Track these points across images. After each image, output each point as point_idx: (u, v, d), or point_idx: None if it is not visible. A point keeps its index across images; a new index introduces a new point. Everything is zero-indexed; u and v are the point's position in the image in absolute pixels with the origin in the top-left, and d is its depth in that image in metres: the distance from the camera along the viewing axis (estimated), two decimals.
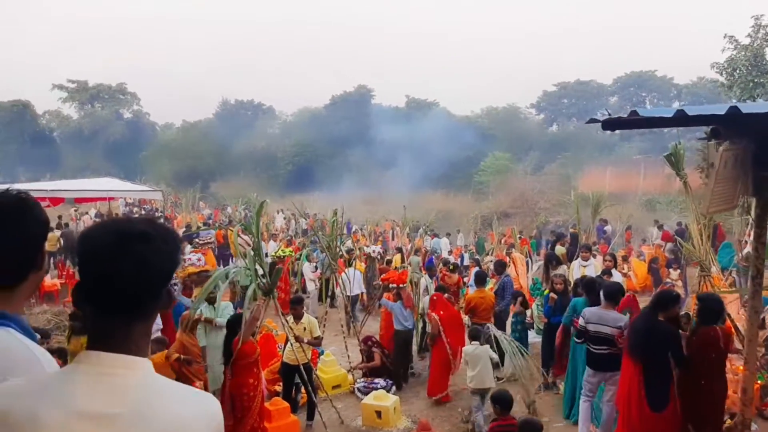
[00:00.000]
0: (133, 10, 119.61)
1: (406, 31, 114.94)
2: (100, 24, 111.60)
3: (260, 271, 6.25)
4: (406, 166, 42.13)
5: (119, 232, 1.28)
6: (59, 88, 55.47)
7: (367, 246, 16.56)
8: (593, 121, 3.82)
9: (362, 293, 12.70)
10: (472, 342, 7.28)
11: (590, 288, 6.83)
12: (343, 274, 10.06)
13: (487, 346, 7.28)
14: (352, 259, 13.17)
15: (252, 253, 6.15)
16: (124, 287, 1.26)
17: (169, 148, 48.63)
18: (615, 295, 6.11)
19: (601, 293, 6.27)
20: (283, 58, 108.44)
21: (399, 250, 16.97)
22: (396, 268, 13.81)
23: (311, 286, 13.08)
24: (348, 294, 10.29)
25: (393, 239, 24.64)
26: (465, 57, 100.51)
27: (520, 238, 20.71)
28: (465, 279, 14.52)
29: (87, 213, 26.07)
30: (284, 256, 11.90)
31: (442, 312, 8.16)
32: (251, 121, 56.45)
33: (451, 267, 11.39)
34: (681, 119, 3.39)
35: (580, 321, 6.17)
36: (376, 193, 38.94)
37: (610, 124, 3.73)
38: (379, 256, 14.91)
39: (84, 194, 15.07)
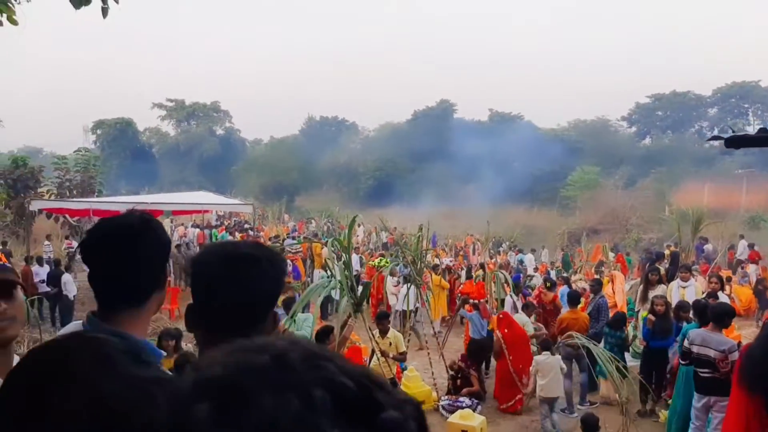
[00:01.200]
0: (223, 31, 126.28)
1: (490, 43, 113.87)
2: (193, 44, 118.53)
3: (349, 285, 6.28)
4: (489, 180, 41.57)
5: (227, 255, 1.32)
6: (159, 107, 59.65)
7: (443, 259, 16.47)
8: (715, 138, 3.53)
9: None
10: (543, 352, 7.50)
11: (701, 312, 6.39)
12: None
13: (558, 356, 7.46)
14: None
15: (343, 267, 6.19)
16: (232, 309, 1.27)
17: (258, 163, 50.80)
18: (722, 317, 5.74)
19: (708, 314, 5.90)
20: (367, 74, 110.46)
21: (482, 266, 16.64)
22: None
23: (392, 300, 13.07)
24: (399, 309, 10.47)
25: (474, 254, 24.24)
26: (551, 68, 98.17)
27: (614, 254, 19.82)
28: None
29: (182, 224, 27.52)
30: (380, 266, 12.00)
31: (506, 330, 8.27)
32: (335, 136, 57.83)
33: (548, 285, 11.08)
34: None
35: (685, 342, 5.84)
36: (458, 207, 38.58)
37: (735, 142, 3.42)
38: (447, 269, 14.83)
39: (181, 207, 15.91)
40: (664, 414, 7.22)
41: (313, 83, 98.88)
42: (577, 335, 7.52)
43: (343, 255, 6.51)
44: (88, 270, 1.55)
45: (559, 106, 72.80)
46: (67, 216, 18.38)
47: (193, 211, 18.81)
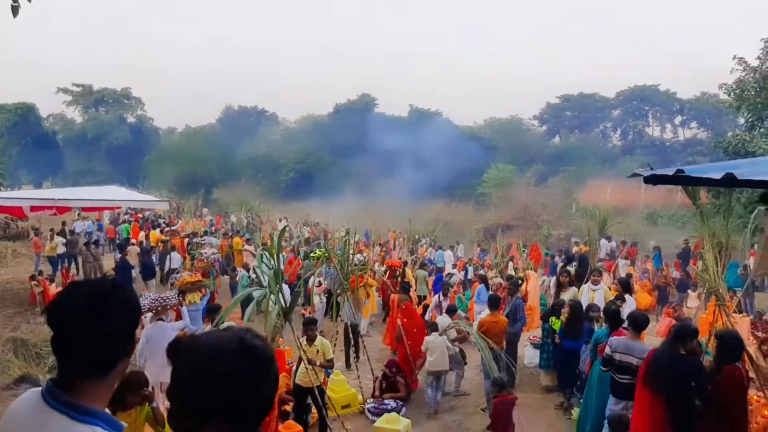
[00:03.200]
0: (138, 11, 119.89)
1: (410, 41, 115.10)
2: (104, 25, 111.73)
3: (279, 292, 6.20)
4: (408, 175, 42.13)
5: (214, 348, 1.27)
6: (64, 92, 55.60)
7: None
8: (635, 175, 3.78)
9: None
10: (432, 333, 8.66)
11: (613, 318, 6.78)
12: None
13: (445, 337, 8.61)
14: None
15: (272, 275, 6.08)
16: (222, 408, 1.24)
17: (172, 153, 48.60)
18: (642, 325, 6.08)
19: (627, 323, 6.25)
20: (288, 65, 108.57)
21: (404, 264, 16.87)
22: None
23: (316, 300, 12.97)
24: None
25: (395, 249, 24.53)
26: (468, 68, 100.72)
27: (524, 251, 20.61)
28: (470, 294, 14.49)
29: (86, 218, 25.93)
30: (320, 258, 11.87)
31: (406, 320, 9.59)
32: (254, 127, 56.49)
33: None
34: (730, 182, 3.32)
35: (607, 349, 6.15)
36: (378, 201, 38.89)
37: (652, 180, 3.68)
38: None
39: (91, 203, 15.01)
40: (576, 412, 7.64)
41: (231, 72, 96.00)
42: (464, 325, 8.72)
43: (272, 261, 6.38)
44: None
45: (475, 105, 74.83)
46: None
47: (104, 207, 17.80)
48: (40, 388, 1.48)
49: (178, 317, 8.75)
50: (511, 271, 16.96)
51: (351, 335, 10.43)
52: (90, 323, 1.43)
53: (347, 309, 9.62)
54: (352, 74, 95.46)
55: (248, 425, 1.27)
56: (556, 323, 8.23)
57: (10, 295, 14.37)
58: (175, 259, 15.69)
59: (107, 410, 1.52)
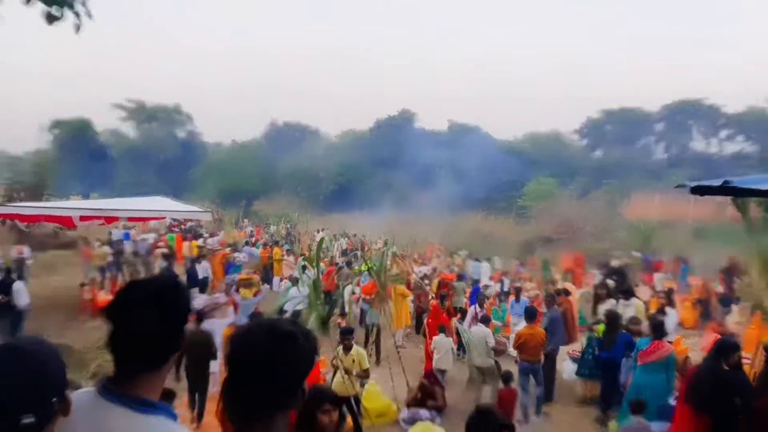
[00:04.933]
0: (188, 33, 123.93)
1: (451, 56, 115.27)
2: (157, 44, 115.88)
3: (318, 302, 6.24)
4: (446, 189, 42.05)
5: (271, 334, 1.36)
6: (118, 108, 57.70)
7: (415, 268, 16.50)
8: (681, 186, 3.67)
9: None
10: (440, 334, 9.44)
11: (658, 328, 6.61)
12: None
13: (450, 339, 9.46)
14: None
15: (311, 284, 6.13)
16: (275, 387, 1.33)
17: (218, 167, 49.74)
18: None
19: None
20: (332, 81, 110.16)
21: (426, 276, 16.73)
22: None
23: (356, 310, 12.99)
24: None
25: (431, 262, 24.36)
26: (508, 82, 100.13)
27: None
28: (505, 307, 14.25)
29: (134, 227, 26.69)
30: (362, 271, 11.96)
31: (431, 320, 10.47)
32: (298, 142, 57.40)
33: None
34: None
35: None
36: (416, 214, 38.83)
37: (699, 191, 3.58)
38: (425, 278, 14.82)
39: (136, 214, 15.45)
40: (613, 424, 7.39)
41: (276, 88, 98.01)
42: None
43: (312, 270, 6.45)
44: (112, 328, 1.50)
45: (513, 119, 74.23)
46: (16, 221, 17.65)
47: (149, 218, 18.30)
48: (92, 388, 1.51)
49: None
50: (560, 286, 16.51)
51: (371, 335, 10.51)
52: (153, 319, 1.46)
53: (371, 313, 9.68)
54: (393, 90, 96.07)
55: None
56: (600, 329, 8.06)
57: (60, 303, 14.86)
58: (204, 268, 15.97)
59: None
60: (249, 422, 1.34)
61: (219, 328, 8.85)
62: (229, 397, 1.34)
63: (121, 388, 1.45)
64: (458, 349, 10.73)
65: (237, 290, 10.80)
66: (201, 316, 8.74)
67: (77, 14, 4.58)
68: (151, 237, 23.71)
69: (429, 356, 10.93)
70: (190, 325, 8.54)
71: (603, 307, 9.32)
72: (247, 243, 23.08)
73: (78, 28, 4.85)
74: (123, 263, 18.58)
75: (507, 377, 7.88)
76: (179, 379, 7.72)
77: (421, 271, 16.01)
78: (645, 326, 7.85)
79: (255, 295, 11.77)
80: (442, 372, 9.36)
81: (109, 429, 1.40)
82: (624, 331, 7.93)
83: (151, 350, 1.48)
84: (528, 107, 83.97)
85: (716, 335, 10.67)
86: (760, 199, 16.95)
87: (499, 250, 29.11)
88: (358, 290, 12.88)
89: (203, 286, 15.50)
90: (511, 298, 12.94)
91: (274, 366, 1.31)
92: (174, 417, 1.51)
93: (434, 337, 9.49)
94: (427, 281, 14.80)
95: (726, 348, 5.24)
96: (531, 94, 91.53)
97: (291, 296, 12.93)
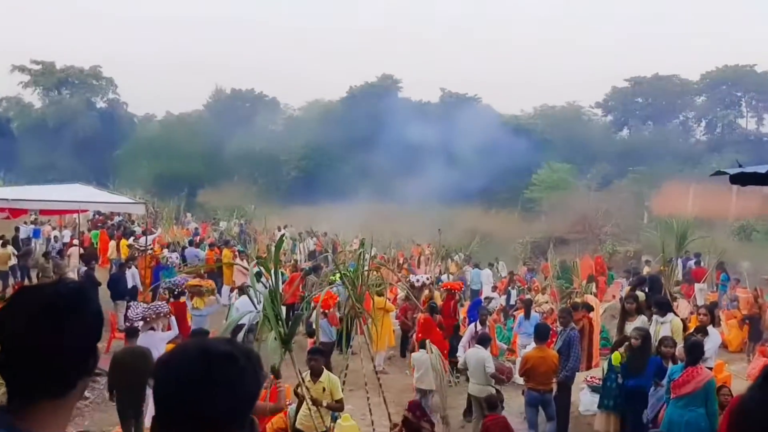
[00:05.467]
0: None
1: (444, 13, 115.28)
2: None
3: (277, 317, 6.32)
4: (438, 176, 42.14)
5: (204, 356, 1.34)
6: (20, 70, 56.68)
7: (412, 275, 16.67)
8: (720, 173, 3.78)
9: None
10: (420, 350, 10.03)
11: (694, 351, 6.79)
12: None
13: (430, 355, 9.72)
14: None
15: (269, 296, 6.20)
16: (212, 418, 1.32)
17: (150, 146, 49.26)
18: None
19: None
20: (292, 41, 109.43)
21: (431, 283, 16.93)
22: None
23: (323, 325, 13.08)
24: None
25: (419, 267, 24.56)
26: (515, 44, 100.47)
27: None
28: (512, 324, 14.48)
29: (49, 222, 26.41)
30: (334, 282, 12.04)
31: (420, 334, 11.14)
32: (250, 115, 57.06)
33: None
34: None
35: None
36: (400, 206, 38.94)
37: (741, 179, 3.67)
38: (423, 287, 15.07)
39: (51, 205, 15.31)
40: None
41: (222, 49, 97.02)
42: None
43: (269, 281, 6.50)
44: None
45: (523, 89, 74.36)
46: None
47: (66, 210, 18.12)
48: None
49: (170, 327, 10.21)
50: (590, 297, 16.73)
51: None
52: (44, 334, 1.46)
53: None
54: (371, 53, 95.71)
55: None
56: (617, 358, 8.20)
57: None
58: (133, 274, 15.94)
59: None
60: None
61: (160, 343, 9.16)
62: None
63: (13, 419, 1.44)
64: (454, 372, 10.91)
65: (189, 298, 11.34)
66: (135, 330, 9.05)
67: None
68: (67, 234, 23.54)
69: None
70: (124, 341, 9.15)
71: (632, 325, 9.51)
72: (191, 243, 22.97)
73: None
74: (31, 267, 18.42)
75: (492, 403, 8.06)
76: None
77: (419, 279, 16.18)
78: (681, 349, 8.03)
79: (208, 304, 11.91)
80: (425, 393, 9.84)
81: None
82: (655, 354, 8.10)
83: (45, 372, 1.46)
84: (541, 75, 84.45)
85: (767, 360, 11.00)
86: None
87: (503, 252, 29.40)
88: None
89: (132, 295, 15.52)
90: (519, 313, 13.12)
91: (209, 396, 1.30)
92: None
93: (413, 355, 10.20)
94: (426, 292, 15.00)
95: None
96: (544, 59, 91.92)
97: (237, 309, 13.05)
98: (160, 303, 10.85)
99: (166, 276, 15.57)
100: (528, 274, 24.75)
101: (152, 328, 9.59)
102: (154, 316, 9.80)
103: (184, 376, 1.33)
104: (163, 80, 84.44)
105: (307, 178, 47.67)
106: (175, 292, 12.79)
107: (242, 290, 13.80)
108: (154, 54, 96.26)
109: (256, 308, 7.30)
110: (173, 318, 10.60)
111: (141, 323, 9.53)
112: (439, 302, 14.07)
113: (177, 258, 19.68)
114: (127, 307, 11.64)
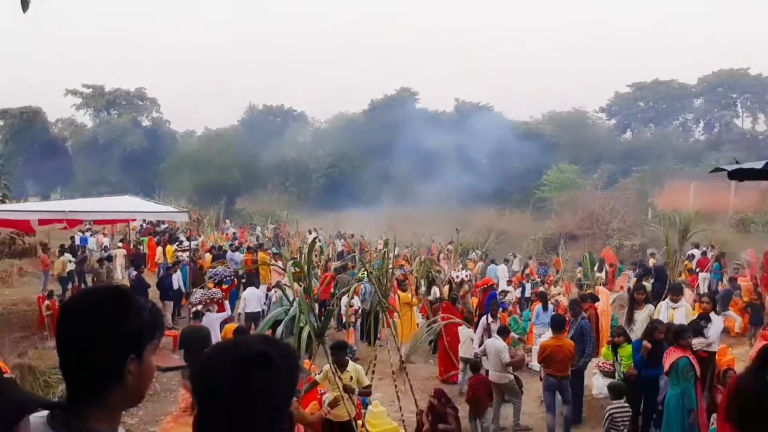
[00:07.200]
0: (150, 9, 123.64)
1: (457, 28, 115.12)
2: (119, 25, 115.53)
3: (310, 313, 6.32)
4: (454, 179, 42.04)
5: (238, 360, 1.32)
6: (73, 94, 57.47)
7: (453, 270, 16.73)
8: (718, 170, 3.70)
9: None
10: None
11: (677, 335, 6.68)
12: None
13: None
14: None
15: (303, 293, 6.20)
16: (248, 421, 1.30)
17: (191, 160, 49.64)
18: None
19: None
20: (318, 60, 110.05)
21: (451, 281, 16.82)
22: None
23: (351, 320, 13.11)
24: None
25: (439, 263, 24.43)
26: (524, 54, 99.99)
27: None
28: (529, 315, 14.36)
29: (103, 232, 26.73)
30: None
31: (444, 315, 11.41)
32: (281, 128, 57.41)
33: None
34: None
35: None
36: (420, 208, 38.88)
37: (738, 175, 3.59)
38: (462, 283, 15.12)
39: (104, 216, 15.53)
40: None
41: (256, 70, 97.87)
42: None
43: (304, 279, 6.50)
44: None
45: (532, 97, 74.17)
46: None
47: (117, 220, 18.37)
48: (47, 412, 1.50)
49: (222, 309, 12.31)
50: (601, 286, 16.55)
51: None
52: (73, 339, 1.48)
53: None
54: (390, 68, 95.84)
55: None
56: (608, 355, 8.04)
57: (16, 318, 14.92)
58: (178, 279, 16.09)
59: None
60: None
61: (216, 321, 10.95)
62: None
63: (70, 416, 1.45)
64: None
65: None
66: (198, 312, 10.79)
67: None
68: (106, 241, 24.00)
69: (442, 369, 11.22)
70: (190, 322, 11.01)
71: (641, 314, 9.36)
72: (229, 246, 23.11)
73: (26, 5, 4.88)
74: (87, 272, 18.62)
75: (475, 365, 9.16)
76: None
77: (458, 276, 16.22)
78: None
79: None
80: (466, 361, 10.45)
81: None
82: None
83: (84, 375, 1.47)
84: (548, 83, 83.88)
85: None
86: None
87: (517, 249, 29.22)
88: (356, 301, 12.97)
89: (177, 297, 15.65)
90: (536, 305, 13.00)
91: (245, 400, 1.28)
92: None
93: (459, 327, 10.76)
94: (465, 287, 15.03)
95: None
96: (551, 69, 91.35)
97: (245, 299, 13.99)
98: (214, 290, 12.83)
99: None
100: (540, 268, 24.55)
101: (209, 310, 11.39)
102: (208, 301, 11.89)
103: (220, 383, 1.30)
104: (202, 99, 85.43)
105: (334, 185, 47.72)
106: (221, 281, 14.61)
107: (279, 287, 13.96)
108: (192, 75, 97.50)
109: (291, 304, 7.32)
110: (226, 302, 13.03)
111: (200, 306, 11.45)
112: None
113: (223, 269, 19.82)
114: (188, 294, 13.81)
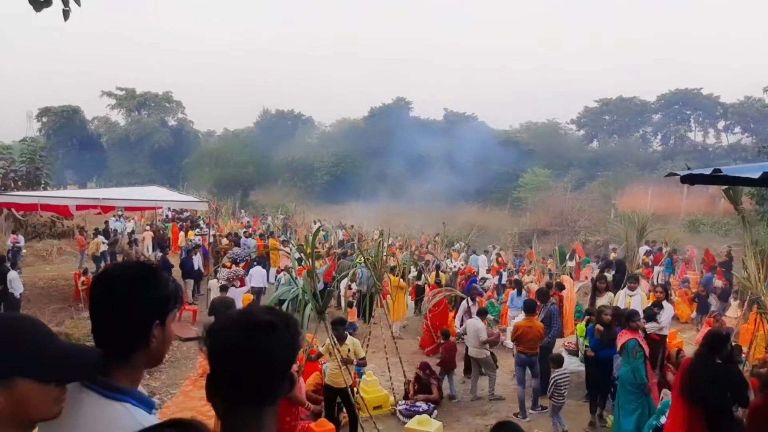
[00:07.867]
0: (179, 21, 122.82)
1: (447, 44, 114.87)
2: (147, 34, 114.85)
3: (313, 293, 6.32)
4: (442, 179, 42.02)
5: (246, 326, 1.31)
6: (108, 95, 57.40)
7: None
8: (672, 174, 3.72)
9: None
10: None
11: (620, 317, 6.73)
12: None
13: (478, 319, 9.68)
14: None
15: (306, 276, 6.20)
16: (254, 380, 1.29)
17: (211, 156, 49.54)
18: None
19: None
20: (325, 71, 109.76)
21: (438, 267, 16.85)
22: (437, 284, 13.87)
23: (343, 303, 13.14)
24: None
25: (427, 252, 24.44)
26: (505, 71, 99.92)
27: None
28: (502, 299, 14.43)
29: (132, 218, 26.63)
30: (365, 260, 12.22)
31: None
32: (291, 130, 57.15)
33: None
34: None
35: None
36: (412, 204, 38.89)
37: (689, 179, 3.62)
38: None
39: (133, 203, 15.48)
40: (611, 418, 7.53)
41: (269, 76, 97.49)
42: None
43: (307, 262, 6.50)
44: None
45: (511, 109, 74.18)
46: (12, 210, 17.63)
47: (145, 207, 18.31)
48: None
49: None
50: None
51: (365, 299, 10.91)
52: (103, 303, 1.51)
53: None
54: (387, 79, 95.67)
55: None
56: (581, 329, 8.09)
57: (55, 291, 14.94)
58: (197, 260, 16.08)
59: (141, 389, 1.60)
60: (232, 418, 1.32)
61: (239, 295, 11.86)
62: (212, 393, 1.32)
63: (99, 375, 1.47)
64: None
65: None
66: (225, 286, 11.84)
67: (65, 0, 4.57)
68: (130, 226, 23.94)
69: (427, 341, 11.49)
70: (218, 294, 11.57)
71: (602, 300, 9.42)
72: (244, 233, 23.12)
73: (67, 14, 4.83)
74: (118, 253, 18.60)
75: (446, 332, 9.79)
76: None
77: (455, 265, 16.31)
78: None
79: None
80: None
81: (80, 413, 1.46)
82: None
83: (114, 337, 1.50)
84: (526, 97, 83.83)
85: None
86: (752, 192, 17.15)
87: (495, 242, 29.28)
88: (354, 285, 13.00)
89: (198, 276, 15.64)
90: (510, 291, 13.05)
91: (252, 361, 1.27)
92: (148, 405, 1.54)
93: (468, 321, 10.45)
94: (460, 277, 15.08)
95: (717, 340, 5.26)
96: (529, 85, 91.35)
97: (251, 276, 14.56)
98: (237, 268, 14.23)
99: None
100: (516, 259, 24.60)
101: (233, 285, 12.57)
102: (234, 277, 13.21)
103: (229, 345, 1.30)
104: (221, 102, 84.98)
105: (337, 182, 47.65)
106: (237, 261, 15.62)
107: (287, 270, 14.04)
108: (213, 80, 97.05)
109: (296, 285, 7.35)
110: (246, 278, 14.12)
111: (226, 282, 12.42)
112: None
113: (253, 242, 19.84)
114: (216, 271, 14.21)
